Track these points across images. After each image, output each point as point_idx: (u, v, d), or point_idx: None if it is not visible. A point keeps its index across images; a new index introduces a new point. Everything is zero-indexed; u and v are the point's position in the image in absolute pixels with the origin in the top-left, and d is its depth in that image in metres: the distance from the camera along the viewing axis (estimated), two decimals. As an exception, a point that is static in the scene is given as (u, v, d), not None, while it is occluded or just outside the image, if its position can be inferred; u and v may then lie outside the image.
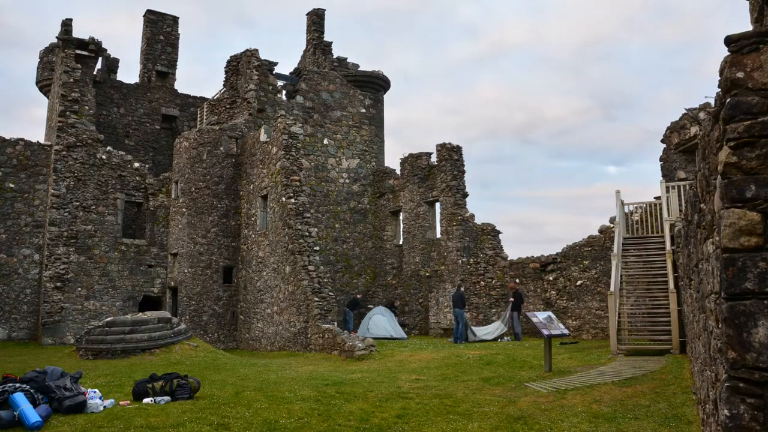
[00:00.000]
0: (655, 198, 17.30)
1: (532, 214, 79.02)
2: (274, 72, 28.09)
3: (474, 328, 20.50)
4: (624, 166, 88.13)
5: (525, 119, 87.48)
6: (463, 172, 25.06)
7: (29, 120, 72.28)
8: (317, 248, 21.38)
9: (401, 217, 27.85)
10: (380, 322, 22.93)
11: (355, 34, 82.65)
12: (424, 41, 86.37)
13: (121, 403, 8.99)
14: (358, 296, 26.09)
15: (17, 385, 7.92)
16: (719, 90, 3.28)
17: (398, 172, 28.15)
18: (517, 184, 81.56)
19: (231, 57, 28.99)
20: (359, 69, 31.23)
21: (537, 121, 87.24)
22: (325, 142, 28.65)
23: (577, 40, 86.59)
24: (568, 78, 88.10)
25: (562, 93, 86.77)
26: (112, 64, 30.96)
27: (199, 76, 74.52)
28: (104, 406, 8.57)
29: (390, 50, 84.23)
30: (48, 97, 30.27)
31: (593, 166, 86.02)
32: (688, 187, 13.42)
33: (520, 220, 77.77)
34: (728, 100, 3.06)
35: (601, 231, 19.88)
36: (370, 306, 26.27)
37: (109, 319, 17.33)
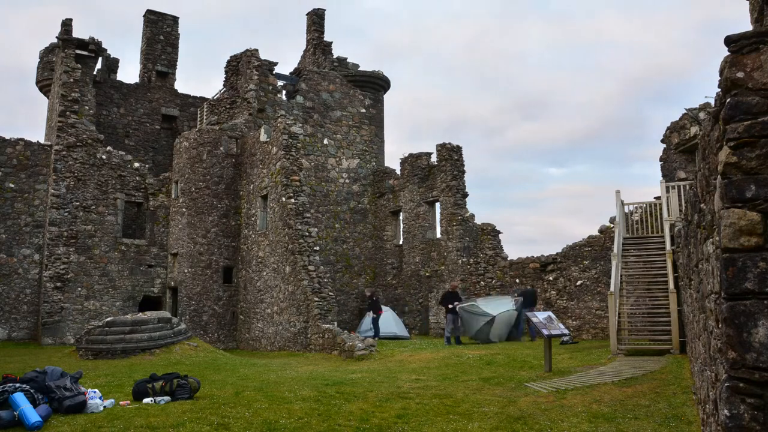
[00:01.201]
0: (655, 198, 17.31)
1: (498, 215, 78.22)
2: (274, 72, 28.09)
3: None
4: (566, 167, 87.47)
5: (447, 119, 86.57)
6: (463, 172, 25.06)
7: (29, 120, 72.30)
8: (317, 248, 21.38)
9: (401, 217, 27.84)
10: (384, 319, 22.90)
11: (234, 38, 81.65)
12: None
13: (121, 403, 8.99)
14: (374, 296, 22.94)
15: (17, 385, 7.92)
16: (719, 90, 3.28)
17: (398, 172, 28.15)
18: (468, 186, 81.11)
19: (231, 57, 29.00)
20: (359, 69, 31.24)
21: (460, 122, 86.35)
22: (325, 142, 28.64)
23: (461, 40, 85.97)
24: (471, 77, 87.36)
25: (473, 93, 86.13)
26: (112, 64, 30.95)
27: (199, 76, 74.53)
28: (104, 406, 8.57)
29: (274, 52, 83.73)
30: (48, 97, 30.27)
31: (536, 167, 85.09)
32: (688, 187, 13.44)
33: (487, 221, 77.35)
34: (728, 100, 3.06)
35: (601, 231, 19.89)
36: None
37: (109, 319, 17.33)
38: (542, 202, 79.70)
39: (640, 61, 77.90)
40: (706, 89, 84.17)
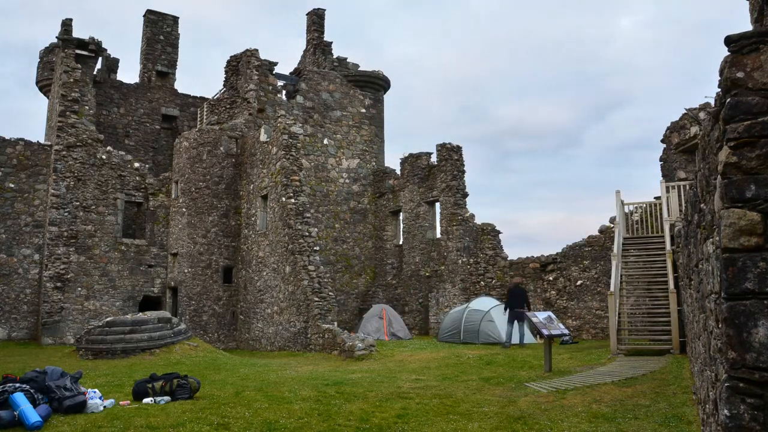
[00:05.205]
0: (655, 198, 17.31)
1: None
2: (274, 72, 28.09)
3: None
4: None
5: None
6: (463, 172, 25.06)
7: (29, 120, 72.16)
8: (317, 248, 21.37)
9: (401, 217, 27.85)
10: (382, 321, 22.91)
11: (234, 38, 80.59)
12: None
13: (121, 403, 8.99)
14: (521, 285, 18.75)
15: (17, 385, 7.92)
16: (719, 90, 3.28)
17: (398, 172, 28.16)
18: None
19: (231, 57, 29.00)
20: (359, 69, 31.23)
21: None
22: (325, 142, 28.64)
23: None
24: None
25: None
26: (112, 64, 30.95)
27: (199, 76, 74.47)
28: (104, 406, 8.57)
29: (274, 52, 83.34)
30: (48, 97, 30.26)
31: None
32: (688, 187, 13.44)
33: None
34: (728, 100, 3.05)
35: (601, 231, 19.89)
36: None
37: (109, 319, 17.33)
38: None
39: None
40: (706, 89, 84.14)
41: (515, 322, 17.11)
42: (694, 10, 75.88)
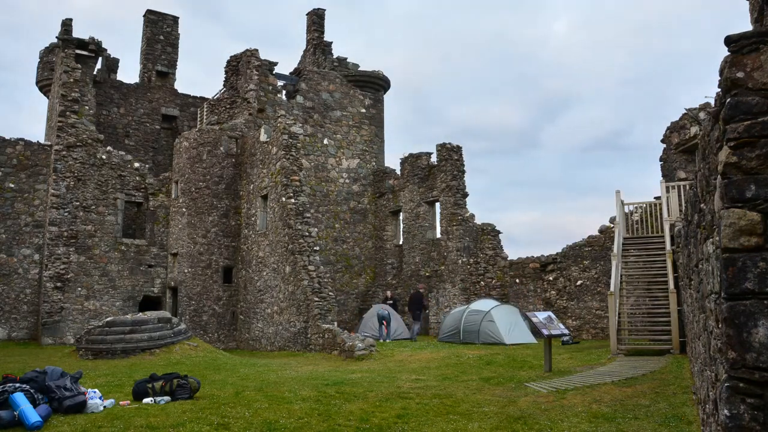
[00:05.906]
0: (655, 198, 17.31)
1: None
2: (274, 72, 28.09)
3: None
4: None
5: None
6: (463, 172, 25.05)
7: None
8: (317, 248, 21.37)
9: (401, 217, 27.84)
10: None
11: (234, 38, 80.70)
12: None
13: (121, 403, 9.00)
14: (420, 289, 24.32)
15: (17, 385, 7.92)
16: (719, 90, 3.28)
17: (398, 172, 28.15)
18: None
19: (231, 57, 29.00)
20: (359, 69, 31.23)
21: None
22: (325, 142, 28.64)
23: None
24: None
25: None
26: (112, 64, 30.94)
27: (199, 76, 74.47)
28: (104, 406, 8.58)
29: (274, 52, 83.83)
30: (48, 97, 30.26)
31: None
32: (688, 187, 13.44)
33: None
34: (728, 100, 3.05)
35: (601, 231, 19.89)
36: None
37: (109, 319, 17.33)
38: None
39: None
40: (705, 89, 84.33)
41: (414, 320, 22.73)
42: (626, 11, 76.62)
